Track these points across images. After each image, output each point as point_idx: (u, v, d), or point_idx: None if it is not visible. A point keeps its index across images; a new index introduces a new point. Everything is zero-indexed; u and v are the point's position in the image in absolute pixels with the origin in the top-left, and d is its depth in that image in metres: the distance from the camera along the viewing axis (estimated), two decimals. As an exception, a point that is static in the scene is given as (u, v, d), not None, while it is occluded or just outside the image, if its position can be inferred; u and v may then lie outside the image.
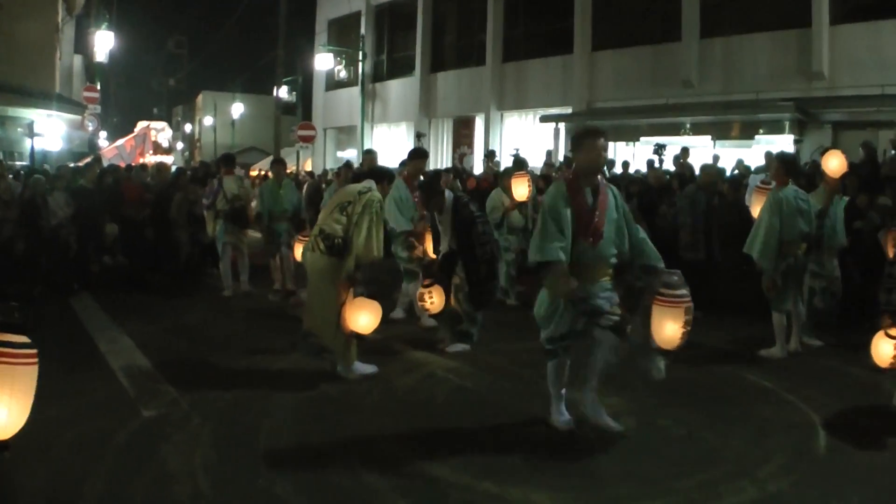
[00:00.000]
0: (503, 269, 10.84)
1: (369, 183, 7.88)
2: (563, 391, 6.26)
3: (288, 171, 17.20)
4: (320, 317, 7.61)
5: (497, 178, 13.24)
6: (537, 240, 5.89)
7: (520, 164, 13.26)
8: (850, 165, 12.12)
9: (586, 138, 6.03)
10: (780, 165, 9.06)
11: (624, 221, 6.12)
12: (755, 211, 9.22)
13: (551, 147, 24.56)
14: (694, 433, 6.17)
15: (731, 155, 18.60)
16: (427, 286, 9.06)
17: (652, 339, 5.92)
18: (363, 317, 7.66)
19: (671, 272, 5.98)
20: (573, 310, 5.92)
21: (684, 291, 5.85)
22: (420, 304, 9.31)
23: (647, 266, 6.10)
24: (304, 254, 7.97)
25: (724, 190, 12.29)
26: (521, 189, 10.89)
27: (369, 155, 13.88)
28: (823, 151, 10.80)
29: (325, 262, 7.52)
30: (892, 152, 13.21)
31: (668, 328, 5.80)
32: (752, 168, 15.08)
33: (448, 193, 9.02)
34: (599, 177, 6.14)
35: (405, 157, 11.13)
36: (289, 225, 12.31)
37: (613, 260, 6.06)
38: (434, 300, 8.97)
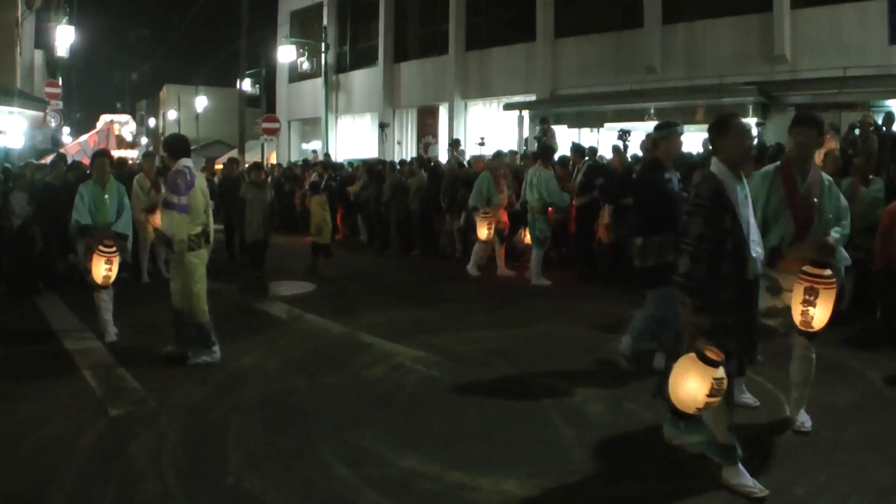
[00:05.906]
0: None
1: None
2: None
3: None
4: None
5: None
6: None
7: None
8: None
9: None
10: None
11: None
12: None
13: (516, 134, 24.68)
14: (661, 416, 6.20)
15: (696, 139, 18.66)
16: None
17: None
18: None
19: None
20: None
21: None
22: None
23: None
24: (184, 254, 8.28)
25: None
26: None
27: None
28: None
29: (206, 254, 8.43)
30: (856, 132, 13.45)
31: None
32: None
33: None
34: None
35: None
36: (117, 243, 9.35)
37: None
38: None
